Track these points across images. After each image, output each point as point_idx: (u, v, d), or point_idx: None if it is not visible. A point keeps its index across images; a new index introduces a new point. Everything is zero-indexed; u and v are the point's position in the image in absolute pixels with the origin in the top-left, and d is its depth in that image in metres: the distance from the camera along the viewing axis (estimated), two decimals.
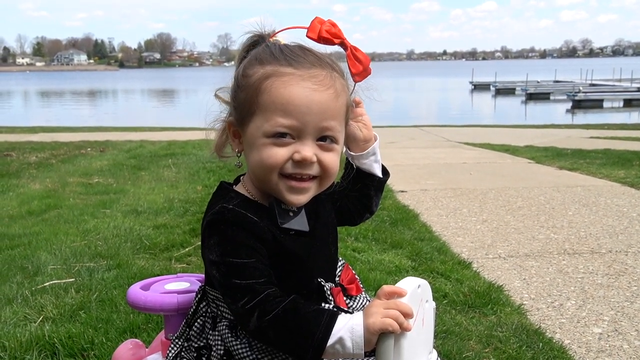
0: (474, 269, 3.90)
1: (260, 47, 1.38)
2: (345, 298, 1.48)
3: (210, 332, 1.41)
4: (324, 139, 1.34)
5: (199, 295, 1.49)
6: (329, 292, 1.43)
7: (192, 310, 1.49)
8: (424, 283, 1.37)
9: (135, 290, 1.65)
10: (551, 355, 2.65)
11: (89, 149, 10.45)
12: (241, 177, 1.47)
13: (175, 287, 1.68)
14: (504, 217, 5.42)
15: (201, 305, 1.46)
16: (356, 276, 1.58)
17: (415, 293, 1.34)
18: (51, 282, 3.43)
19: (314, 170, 1.34)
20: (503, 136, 13.50)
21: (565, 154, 9.47)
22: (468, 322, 2.99)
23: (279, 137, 1.30)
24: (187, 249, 4.21)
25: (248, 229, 1.31)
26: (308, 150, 1.31)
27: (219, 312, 1.40)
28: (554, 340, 2.84)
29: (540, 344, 2.75)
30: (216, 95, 1.45)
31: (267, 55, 1.34)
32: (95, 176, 7.33)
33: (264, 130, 1.31)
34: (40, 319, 2.94)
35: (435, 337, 2.62)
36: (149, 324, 2.82)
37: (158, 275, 3.53)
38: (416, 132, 15.36)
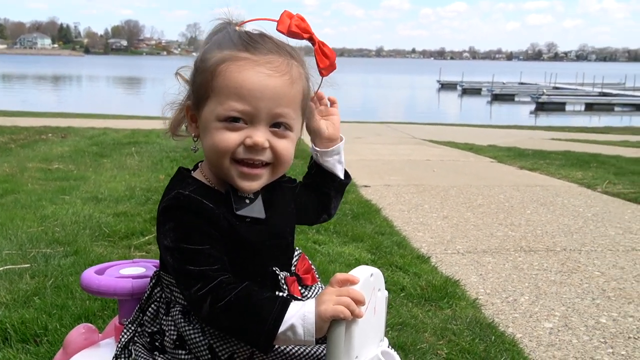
0: (432, 263, 3.96)
1: (222, 33, 1.38)
2: (300, 287, 1.49)
3: (164, 317, 1.41)
4: (277, 125, 1.34)
5: (153, 281, 1.48)
6: (283, 281, 1.44)
7: (146, 295, 1.49)
8: (376, 272, 1.39)
9: (89, 274, 1.64)
10: (503, 348, 2.71)
11: (50, 135, 10.26)
12: (199, 164, 1.47)
13: (131, 272, 1.67)
14: (464, 214, 5.51)
15: (155, 291, 1.46)
16: (312, 266, 1.59)
17: (368, 281, 1.35)
18: (5, 267, 3.37)
19: (266, 156, 1.35)
20: (467, 135, 13.68)
21: (527, 155, 9.65)
22: (424, 315, 3.03)
23: (231, 121, 1.31)
24: (146, 237, 4.18)
25: (203, 215, 1.31)
26: (260, 135, 1.31)
27: (173, 298, 1.40)
28: (506, 334, 2.91)
29: (493, 337, 2.81)
30: (177, 74, 1.44)
31: (226, 41, 1.34)
32: (56, 162, 7.21)
33: (217, 114, 1.31)
34: None
35: (389, 327, 2.67)
36: (105, 310, 2.80)
37: None
38: (382, 129, 15.45)
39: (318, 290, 1.54)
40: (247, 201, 1.39)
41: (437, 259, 4.11)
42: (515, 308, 3.32)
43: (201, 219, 1.31)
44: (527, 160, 8.98)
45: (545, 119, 27.16)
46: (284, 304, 1.25)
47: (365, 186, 6.59)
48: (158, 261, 1.79)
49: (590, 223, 5.21)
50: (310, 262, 1.60)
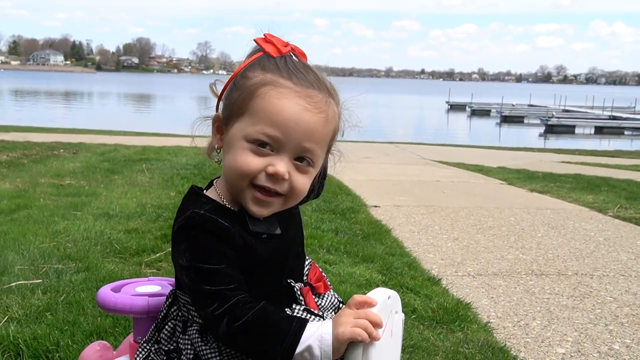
0: (443, 285, 3.94)
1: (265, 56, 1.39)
2: (313, 296, 1.49)
3: (181, 336, 1.41)
4: (301, 159, 1.35)
5: (169, 299, 1.49)
6: (299, 292, 1.44)
7: (162, 313, 1.49)
8: (394, 294, 1.40)
9: (106, 292, 1.64)
10: None
11: (61, 150, 10.33)
12: (214, 181, 1.47)
13: (146, 290, 1.68)
14: (475, 236, 5.49)
15: (172, 309, 1.46)
16: (323, 274, 1.59)
17: (385, 304, 1.36)
18: (18, 283, 3.38)
19: (283, 188, 1.35)
20: (477, 157, 13.68)
21: (537, 177, 9.62)
22: (435, 337, 3.02)
23: (259, 145, 1.31)
24: (157, 254, 4.18)
25: (219, 234, 1.32)
26: (282, 165, 1.32)
27: (190, 317, 1.40)
28: (519, 359, 2.88)
29: None
30: (211, 86, 1.46)
31: (270, 64, 1.35)
32: (67, 178, 7.25)
33: (246, 134, 1.32)
34: (5, 319, 2.89)
35: (403, 350, 2.65)
36: (117, 327, 2.80)
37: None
38: (391, 149, 15.48)
39: (331, 298, 1.54)
40: (261, 218, 1.40)
41: (447, 281, 4.09)
42: (527, 332, 3.30)
43: (217, 238, 1.32)
44: (538, 182, 8.95)
45: (554, 142, 27.13)
46: (301, 324, 1.26)
47: (375, 206, 6.59)
48: (173, 279, 1.80)
49: (602, 247, 5.18)
50: (320, 269, 1.59)
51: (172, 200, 6.05)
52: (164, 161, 9.09)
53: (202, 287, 1.29)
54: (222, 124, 1.39)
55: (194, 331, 1.38)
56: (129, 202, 5.88)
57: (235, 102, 1.35)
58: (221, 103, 1.43)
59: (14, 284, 3.36)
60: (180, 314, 1.44)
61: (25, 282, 3.41)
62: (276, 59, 1.36)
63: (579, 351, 3.07)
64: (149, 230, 4.79)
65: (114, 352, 1.74)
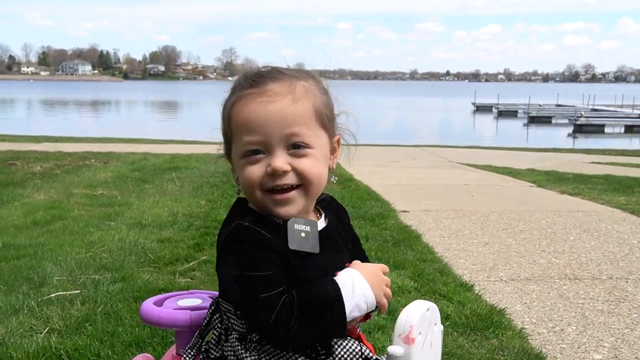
0: (476, 291, 3.93)
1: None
2: None
3: (225, 343, 1.44)
4: (296, 146, 1.37)
5: (212, 307, 1.51)
6: None
7: (205, 322, 1.52)
8: (432, 306, 1.41)
9: (149, 306, 1.68)
10: None
11: (92, 160, 10.50)
12: None
13: (188, 303, 1.71)
14: (506, 240, 5.45)
15: (214, 317, 1.49)
16: None
17: (425, 316, 1.37)
18: (57, 294, 3.46)
19: (291, 179, 1.37)
20: (505, 159, 13.56)
21: (567, 179, 9.52)
22: (470, 344, 3.01)
23: (250, 155, 1.37)
24: (191, 264, 4.24)
25: (263, 245, 1.34)
26: (278, 160, 1.36)
27: (230, 324, 1.43)
28: None
29: None
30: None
31: (236, 85, 1.44)
32: (100, 188, 7.37)
33: (239, 153, 1.39)
34: (46, 330, 2.97)
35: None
36: (154, 338, 2.85)
37: (162, 288, 3.59)
38: (418, 152, 15.42)
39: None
40: (303, 235, 1.40)
41: (480, 286, 4.08)
42: (563, 338, 3.27)
43: (260, 247, 1.34)
44: (568, 184, 8.85)
45: (583, 142, 26.79)
46: (336, 288, 1.33)
47: (404, 211, 6.58)
48: (213, 292, 1.83)
49: (637, 251, 5.11)
50: None
51: (203, 209, 6.13)
52: (193, 169, 9.20)
53: (255, 295, 1.31)
54: (228, 158, 1.48)
55: (234, 339, 1.40)
56: (160, 211, 5.96)
57: (224, 133, 1.45)
58: None
59: (53, 295, 3.44)
60: (222, 321, 1.46)
61: (64, 293, 3.49)
62: (240, 77, 1.44)
63: (616, 357, 3.04)
64: (181, 240, 4.86)
65: None
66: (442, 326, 1.46)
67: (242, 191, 1.43)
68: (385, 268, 1.46)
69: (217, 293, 1.82)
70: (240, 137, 1.37)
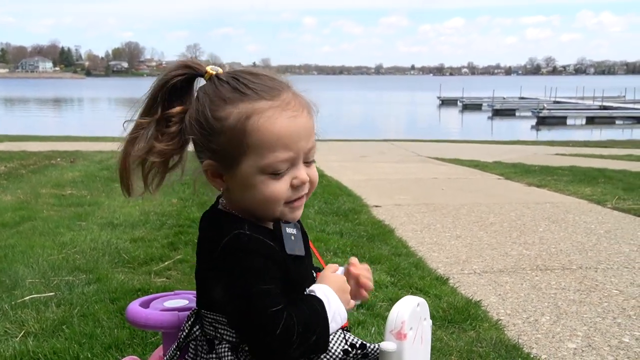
0: (451, 284, 3.98)
1: (208, 84, 1.38)
2: None
3: (205, 355, 1.40)
4: (308, 157, 1.39)
5: (191, 319, 1.47)
6: None
7: (184, 333, 1.47)
8: (422, 302, 1.43)
9: (135, 308, 1.66)
10: None
11: (58, 159, 10.32)
12: (226, 204, 1.43)
13: (175, 304, 1.70)
14: (477, 233, 5.53)
15: (194, 329, 1.45)
16: None
17: (415, 311, 1.39)
18: (31, 296, 3.40)
19: (306, 188, 1.39)
20: (471, 152, 13.73)
21: (533, 171, 9.68)
22: (448, 337, 3.05)
23: (277, 171, 1.33)
24: (166, 263, 4.20)
25: (266, 255, 1.31)
26: (302, 172, 1.36)
27: (218, 335, 1.39)
28: (532, 356, 2.92)
29: (519, 359, 2.82)
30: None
31: (229, 93, 1.34)
32: (68, 187, 7.25)
33: (260, 168, 1.31)
34: (22, 333, 2.91)
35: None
36: (134, 339, 2.82)
37: (139, 289, 3.55)
38: (386, 147, 15.51)
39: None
40: (293, 238, 1.39)
41: (455, 279, 4.13)
42: (537, 328, 3.34)
43: (264, 258, 1.31)
44: (535, 176, 9.01)
45: (547, 134, 27.26)
46: (322, 304, 1.34)
47: (376, 206, 6.62)
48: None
49: (604, 240, 5.23)
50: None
51: (175, 207, 6.07)
52: None
53: (265, 310, 1.27)
54: (219, 169, 1.37)
55: (225, 349, 1.37)
56: (131, 210, 5.89)
57: (228, 146, 1.32)
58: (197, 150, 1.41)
59: (27, 297, 3.38)
60: (204, 332, 1.42)
61: (38, 295, 3.43)
62: (224, 82, 1.36)
63: (589, 345, 3.11)
64: (154, 239, 4.81)
65: None
66: (431, 321, 1.48)
67: (250, 206, 1.36)
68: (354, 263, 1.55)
69: None
70: (267, 153, 1.30)
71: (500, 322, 3.38)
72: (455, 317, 3.30)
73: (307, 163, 1.38)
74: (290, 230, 1.40)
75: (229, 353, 1.37)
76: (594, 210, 6.53)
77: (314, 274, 1.53)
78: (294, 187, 1.35)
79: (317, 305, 1.33)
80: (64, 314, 3.15)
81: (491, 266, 4.50)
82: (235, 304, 1.31)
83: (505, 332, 3.24)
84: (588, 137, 24.24)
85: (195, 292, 1.82)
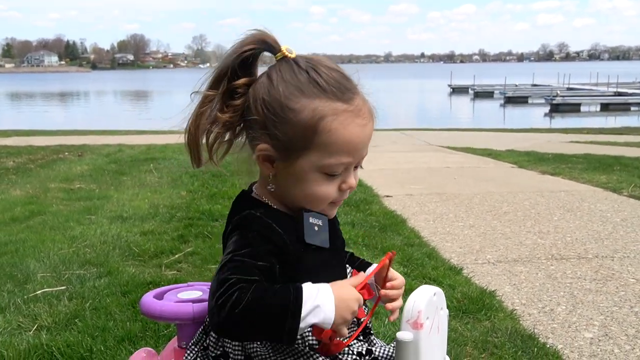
0: (465, 274, 3.98)
1: (285, 66, 1.37)
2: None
3: (228, 340, 1.44)
4: (359, 163, 1.43)
5: None
6: None
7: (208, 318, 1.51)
8: (438, 291, 1.44)
9: (150, 300, 1.68)
10: (546, 359, 2.73)
11: (66, 153, 10.39)
12: (257, 189, 1.46)
13: (188, 296, 1.72)
14: (491, 222, 5.52)
15: None
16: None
17: (432, 301, 1.40)
18: (42, 290, 3.44)
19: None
20: (484, 140, 13.70)
21: (547, 159, 9.64)
22: (463, 327, 3.06)
23: (334, 173, 1.37)
24: (176, 256, 4.23)
25: (269, 238, 1.33)
26: (352, 179, 1.40)
27: None
28: (548, 346, 2.92)
29: (535, 349, 2.83)
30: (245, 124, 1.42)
31: (306, 84, 1.33)
32: (77, 181, 7.30)
33: (319, 166, 1.34)
34: (35, 327, 2.95)
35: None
36: (147, 331, 2.85)
37: (150, 282, 3.58)
38: (398, 136, 15.49)
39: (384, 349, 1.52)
40: (316, 228, 1.41)
41: (468, 269, 4.13)
42: (553, 318, 3.34)
43: (265, 241, 1.32)
44: (549, 164, 8.97)
45: (560, 121, 27.11)
46: (299, 291, 1.25)
47: (388, 196, 6.62)
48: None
49: (620, 229, 5.21)
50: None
51: (184, 200, 6.10)
52: (171, 160, 9.14)
53: (225, 275, 1.25)
54: (273, 156, 1.37)
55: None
56: (141, 203, 5.93)
57: (293, 138, 1.33)
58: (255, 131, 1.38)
59: (39, 291, 3.42)
60: None
61: (50, 289, 3.47)
62: (304, 72, 1.34)
63: (606, 335, 3.11)
64: (164, 232, 4.84)
65: (159, 358, 1.79)
66: (447, 310, 1.49)
67: (298, 198, 1.38)
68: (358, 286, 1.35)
69: None
70: (331, 155, 1.33)
71: (515, 312, 3.38)
72: (470, 307, 3.31)
73: (355, 167, 1.42)
74: (314, 220, 1.42)
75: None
76: (610, 198, 6.50)
77: (348, 272, 1.55)
78: (342, 191, 1.40)
79: (291, 294, 1.24)
80: (76, 308, 3.18)
81: (505, 256, 4.50)
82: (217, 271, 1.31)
83: (521, 322, 3.25)
84: (603, 124, 24.08)
85: (208, 283, 1.86)
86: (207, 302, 1.60)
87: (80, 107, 46.26)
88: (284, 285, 1.28)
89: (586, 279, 3.96)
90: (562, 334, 3.14)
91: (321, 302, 1.26)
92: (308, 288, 1.27)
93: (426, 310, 1.36)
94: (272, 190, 1.41)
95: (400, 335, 1.35)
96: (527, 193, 6.80)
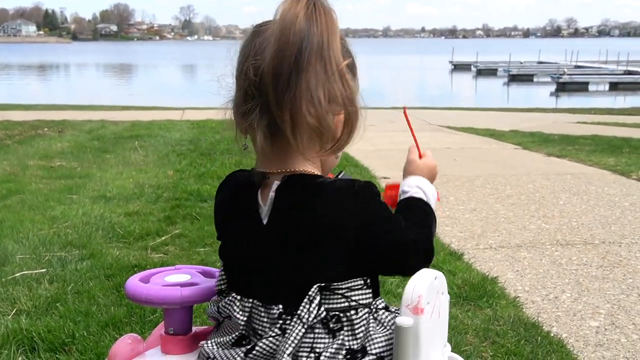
0: (466, 260, 4.00)
1: None
2: None
3: (346, 330, 1.36)
4: None
5: (312, 303, 1.32)
6: None
7: (307, 317, 1.32)
8: (439, 275, 1.44)
9: (135, 283, 1.68)
10: (550, 349, 2.75)
11: (45, 129, 10.31)
12: (307, 168, 1.37)
13: (176, 279, 1.71)
14: (493, 205, 5.54)
15: (320, 311, 1.33)
16: None
17: (433, 285, 1.40)
18: (22, 273, 3.44)
19: None
20: (487, 120, 13.68)
21: (553, 140, 9.66)
22: (464, 315, 3.08)
23: None
24: (163, 238, 4.23)
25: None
26: None
27: (354, 304, 1.36)
28: (552, 334, 2.95)
29: (539, 337, 2.85)
30: None
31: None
32: (57, 159, 7.27)
33: None
34: (14, 311, 2.95)
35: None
36: (132, 317, 2.86)
37: (135, 265, 3.59)
38: (396, 115, 15.43)
39: None
40: None
41: (469, 255, 4.15)
42: (558, 306, 3.36)
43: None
44: (554, 146, 8.99)
45: (567, 101, 27.11)
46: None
47: (385, 178, 6.62)
48: (203, 267, 1.83)
49: (629, 213, 5.24)
50: None
51: (171, 180, 6.09)
52: (157, 137, 9.11)
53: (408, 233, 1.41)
54: None
55: (365, 314, 1.37)
56: (125, 183, 5.91)
57: None
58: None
59: (18, 274, 3.41)
60: (331, 310, 1.35)
61: (30, 272, 3.46)
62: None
63: (613, 324, 3.14)
64: (150, 213, 4.84)
65: (144, 345, 1.79)
66: (448, 296, 1.50)
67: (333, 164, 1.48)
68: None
69: (205, 268, 1.83)
70: None
71: (518, 299, 3.40)
72: (471, 294, 3.32)
73: None
74: None
75: (370, 318, 1.38)
76: (618, 181, 6.53)
77: None
78: None
79: (424, 204, 1.54)
80: (57, 292, 3.18)
81: (508, 241, 4.52)
82: (387, 238, 1.36)
83: (524, 309, 3.27)
84: (611, 104, 24.11)
85: (196, 266, 1.86)
86: (196, 286, 1.62)
87: (60, 81, 45.93)
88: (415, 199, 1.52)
89: (592, 266, 3.99)
90: (567, 322, 3.16)
91: (430, 192, 1.57)
92: (418, 189, 1.54)
93: (427, 294, 1.36)
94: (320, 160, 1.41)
95: (400, 320, 1.35)
96: (531, 176, 6.82)
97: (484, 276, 3.62)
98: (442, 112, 16.55)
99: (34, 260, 3.68)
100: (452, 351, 1.57)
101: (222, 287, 1.47)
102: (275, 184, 1.35)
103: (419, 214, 1.49)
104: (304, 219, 1.32)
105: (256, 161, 1.41)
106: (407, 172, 1.57)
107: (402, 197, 1.53)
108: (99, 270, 3.49)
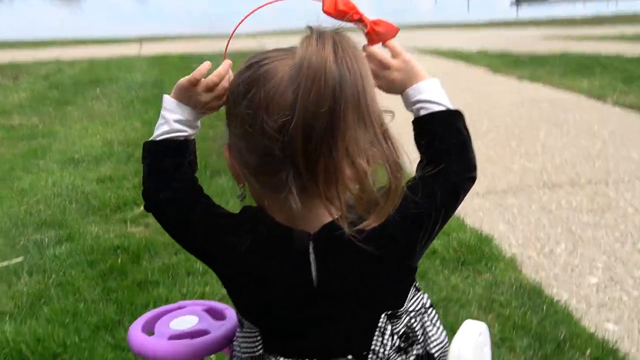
0: (456, 213, 3.88)
1: None
2: None
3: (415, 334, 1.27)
4: None
5: (387, 329, 1.21)
6: None
7: (384, 349, 1.21)
8: (484, 329, 1.34)
9: (141, 338, 1.51)
10: (557, 319, 2.67)
11: None
12: None
13: (183, 324, 1.56)
14: (474, 142, 5.41)
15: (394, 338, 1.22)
16: None
17: (477, 342, 1.29)
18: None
19: None
20: (450, 39, 13.46)
21: (523, 62, 9.52)
22: (464, 283, 2.99)
23: None
24: (141, 208, 4.02)
25: None
26: None
27: (414, 313, 1.26)
28: (555, 300, 2.87)
29: (544, 306, 2.77)
30: None
31: None
32: (15, 114, 6.89)
33: None
34: None
35: (436, 304, 2.60)
36: (124, 315, 2.70)
37: (118, 246, 3.39)
38: None
39: None
40: None
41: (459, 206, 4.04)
42: (554, 261, 3.29)
43: None
44: (525, 68, 8.86)
45: (528, 10, 26.85)
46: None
47: None
48: (207, 302, 1.68)
49: (610, 144, 5.17)
50: None
51: (139, 133, 5.82)
52: (118, 81, 8.72)
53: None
54: None
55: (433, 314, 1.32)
56: (92, 140, 5.64)
57: None
58: None
59: None
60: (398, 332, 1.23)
61: (7, 263, 3.25)
62: None
63: (611, 279, 3.08)
64: (124, 177, 4.61)
65: None
66: (490, 344, 1.39)
67: None
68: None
69: (210, 304, 1.66)
70: None
71: (514, 257, 3.31)
72: (468, 257, 3.22)
73: None
74: None
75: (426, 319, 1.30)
76: (595, 107, 6.45)
77: None
78: None
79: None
80: (38, 286, 2.99)
81: (494, 185, 4.43)
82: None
83: (523, 270, 3.18)
84: (572, 12, 23.90)
85: (200, 301, 1.69)
86: (208, 337, 1.47)
87: (3, 11, 43.83)
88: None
89: (582, 211, 3.92)
90: (566, 280, 3.10)
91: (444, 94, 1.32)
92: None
93: (473, 357, 1.25)
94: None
95: None
96: (507, 106, 6.70)
97: (479, 236, 3.51)
98: (403, 32, 16.18)
99: (9, 246, 3.46)
100: (451, 330, 1.39)
101: (260, 352, 1.22)
102: (310, 243, 1.16)
103: (456, 135, 1.30)
104: (354, 273, 1.16)
105: (275, 212, 1.20)
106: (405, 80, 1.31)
107: (422, 113, 1.31)
108: (80, 255, 3.30)
